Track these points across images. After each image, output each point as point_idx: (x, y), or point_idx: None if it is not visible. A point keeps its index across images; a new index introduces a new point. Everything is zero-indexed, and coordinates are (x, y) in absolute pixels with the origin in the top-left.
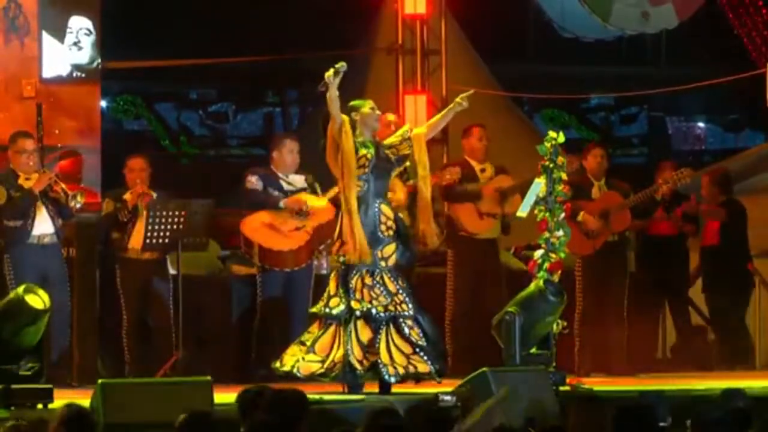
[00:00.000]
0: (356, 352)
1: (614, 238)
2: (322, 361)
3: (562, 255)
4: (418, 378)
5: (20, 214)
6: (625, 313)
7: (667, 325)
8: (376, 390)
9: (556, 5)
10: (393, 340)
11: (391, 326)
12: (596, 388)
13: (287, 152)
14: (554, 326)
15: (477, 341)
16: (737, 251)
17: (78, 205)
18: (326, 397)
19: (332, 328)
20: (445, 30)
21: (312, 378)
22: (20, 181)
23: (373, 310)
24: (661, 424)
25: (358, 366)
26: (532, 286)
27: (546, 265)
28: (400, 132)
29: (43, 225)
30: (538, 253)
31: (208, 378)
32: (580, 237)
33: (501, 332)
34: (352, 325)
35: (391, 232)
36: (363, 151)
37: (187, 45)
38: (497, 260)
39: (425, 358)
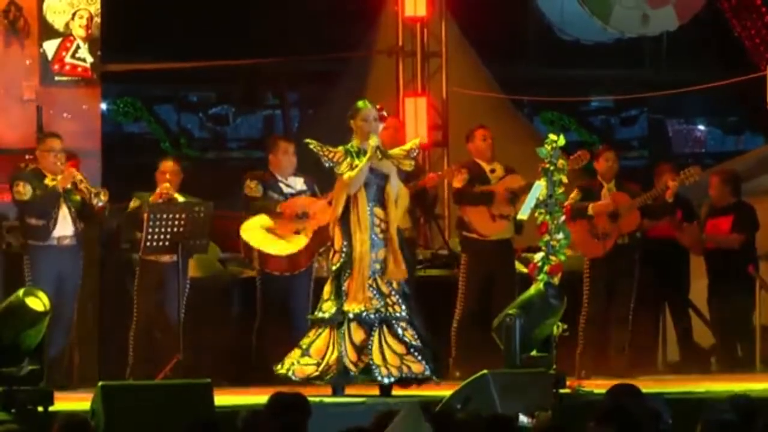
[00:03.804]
0: (350, 354)
1: (624, 240)
2: (318, 364)
3: (563, 258)
4: (413, 378)
5: (43, 212)
6: (630, 316)
7: (668, 326)
8: (376, 392)
9: (556, 8)
10: (386, 341)
11: (384, 327)
12: (596, 390)
13: (283, 154)
14: (554, 329)
15: (484, 343)
16: (745, 253)
17: (101, 203)
18: (326, 400)
19: (326, 332)
20: (446, 32)
21: (307, 381)
22: (46, 181)
23: (364, 313)
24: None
25: (352, 368)
26: (533, 289)
27: (546, 267)
28: (408, 146)
29: (64, 226)
30: (538, 256)
31: (208, 380)
32: (589, 239)
33: (501, 335)
34: (345, 328)
35: (384, 235)
36: (358, 162)
37: (187, 47)
38: (511, 261)
39: (419, 357)
